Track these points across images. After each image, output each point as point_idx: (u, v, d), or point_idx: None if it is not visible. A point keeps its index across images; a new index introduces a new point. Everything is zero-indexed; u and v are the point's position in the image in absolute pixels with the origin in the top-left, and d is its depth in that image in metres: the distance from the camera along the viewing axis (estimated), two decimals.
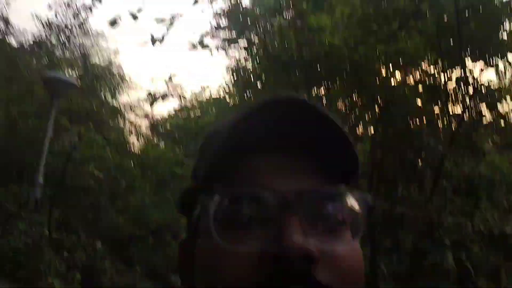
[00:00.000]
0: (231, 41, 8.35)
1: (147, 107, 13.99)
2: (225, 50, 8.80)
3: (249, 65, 8.64)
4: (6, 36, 10.75)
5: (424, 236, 3.29)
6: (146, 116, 15.30)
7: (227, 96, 12.46)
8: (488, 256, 10.07)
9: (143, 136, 15.31)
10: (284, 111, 0.46)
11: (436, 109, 5.35)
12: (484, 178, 4.44)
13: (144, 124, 15.15)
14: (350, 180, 0.50)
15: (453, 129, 3.95)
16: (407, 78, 5.50)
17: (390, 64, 5.47)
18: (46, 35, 11.44)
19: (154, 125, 16.39)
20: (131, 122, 14.40)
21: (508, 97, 5.77)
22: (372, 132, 5.16)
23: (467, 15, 4.89)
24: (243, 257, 0.43)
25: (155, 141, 15.93)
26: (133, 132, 14.20)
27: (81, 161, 7.63)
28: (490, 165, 5.00)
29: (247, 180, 0.46)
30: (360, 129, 6.20)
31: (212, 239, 0.44)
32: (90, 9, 10.76)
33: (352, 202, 0.47)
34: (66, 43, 11.68)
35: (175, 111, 16.35)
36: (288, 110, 0.46)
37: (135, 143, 14.31)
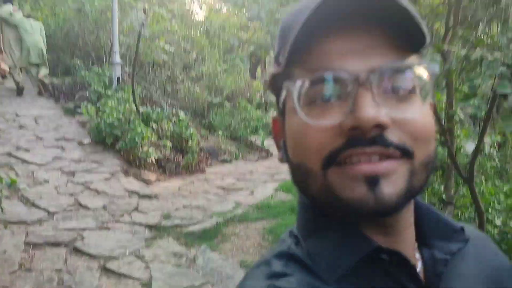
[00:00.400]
0: None
1: None
2: None
3: None
4: None
5: (503, 78, 3.17)
6: None
7: None
8: None
9: (204, 3, 15.05)
10: None
11: None
12: None
13: None
14: (418, 49, 0.54)
15: None
16: None
17: None
18: None
19: None
20: None
21: None
22: None
23: None
24: (324, 129, 0.51)
25: (217, 7, 15.63)
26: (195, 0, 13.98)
27: (151, 37, 7.82)
28: None
29: (323, 62, 0.52)
30: None
31: (298, 116, 0.52)
32: None
33: (420, 71, 0.52)
34: None
35: None
36: None
37: (198, 11, 14.16)
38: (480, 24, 6.34)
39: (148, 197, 5.64)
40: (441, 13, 5.39)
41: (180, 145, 7.50)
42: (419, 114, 0.52)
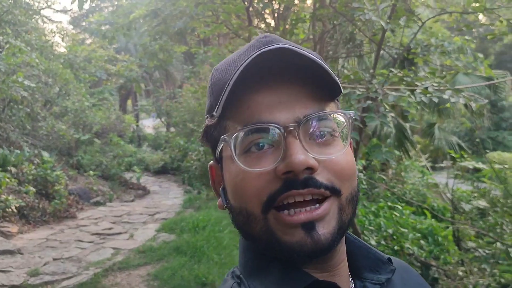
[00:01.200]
0: None
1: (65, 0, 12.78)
2: None
3: None
4: None
5: (368, 111, 3.48)
6: (66, 11, 14.04)
7: None
8: (422, 117, 10.89)
9: (67, 34, 14.20)
10: (279, 58, 0.56)
11: None
12: (421, 44, 4.62)
13: (65, 20, 14.01)
14: (335, 98, 0.63)
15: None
16: None
17: None
18: None
19: (77, 20, 15.12)
20: (50, 20, 13.18)
21: None
22: (312, 8, 5.07)
23: None
24: (260, 175, 0.55)
25: (81, 39, 14.84)
26: (55, 31, 13.09)
27: (7, 71, 7.04)
28: (426, 31, 5.17)
29: (255, 115, 0.57)
30: (298, 6, 6.07)
31: (236, 164, 0.57)
32: None
33: (339, 117, 0.60)
34: None
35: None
36: (281, 57, 0.56)
37: (60, 43, 13.30)
38: (340, 59, 6.96)
39: (10, 252, 4.98)
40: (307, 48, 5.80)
41: (45, 190, 6.81)
42: (341, 154, 0.58)
